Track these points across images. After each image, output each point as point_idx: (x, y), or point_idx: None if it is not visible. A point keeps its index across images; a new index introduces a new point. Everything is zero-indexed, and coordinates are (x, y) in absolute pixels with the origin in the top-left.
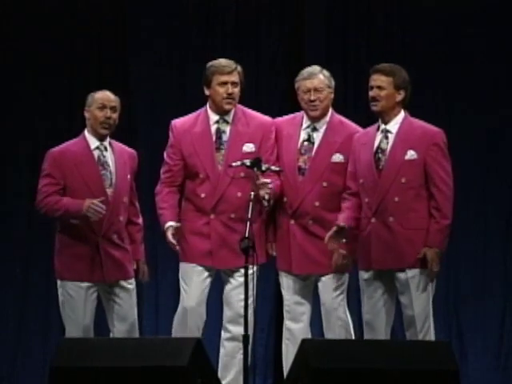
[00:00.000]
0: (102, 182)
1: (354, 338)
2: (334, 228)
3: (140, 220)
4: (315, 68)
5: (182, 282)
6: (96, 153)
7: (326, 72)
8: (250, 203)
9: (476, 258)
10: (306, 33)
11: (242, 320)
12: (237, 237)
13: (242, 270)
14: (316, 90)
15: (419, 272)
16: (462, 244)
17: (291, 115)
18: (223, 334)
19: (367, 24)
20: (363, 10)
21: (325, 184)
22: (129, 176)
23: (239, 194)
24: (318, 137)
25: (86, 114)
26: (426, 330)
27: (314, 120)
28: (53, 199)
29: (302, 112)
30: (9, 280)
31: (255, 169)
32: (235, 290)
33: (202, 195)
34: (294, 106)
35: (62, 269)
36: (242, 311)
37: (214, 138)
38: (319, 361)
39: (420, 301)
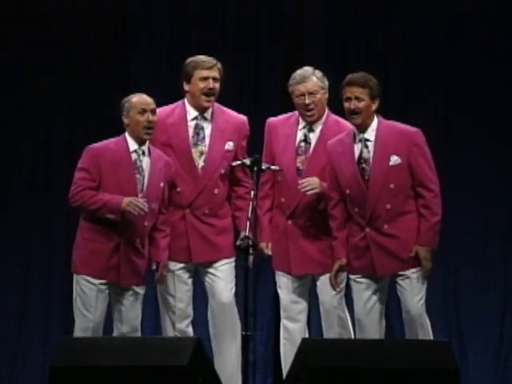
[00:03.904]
0: (135, 186)
1: (352, 336)
2: (337, 266)
3: (168, 229)
4: (307, 70)
5: (163, 287)
6: (133, 156)
7: (318, 73)
8: (251, 202)
9: (476, 258)
10: (306, 33)
11: (231, 312)
12: (212, 230)
13: (223, 261)
14: (310, 93)
15: (419, 270)
16: (462, 244)
17: (286, 115)
18: (212, 329)
19: (367, 24)
20: (363, 9)
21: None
22: (162, 184)
23: (216, 191)
24: (314, 137)
25: (125, 120)
26: (427, 326)
27: (311, 122)
28: (89, 193)
29: (297, 111)
30: (9, 280)
31: (255, 168)
32: (222, 282)
33: (178, 189)
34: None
35: (79, 263)
36: (230, 301)
37: (191, 134)
38: (319, 360)
39: (419, 297)
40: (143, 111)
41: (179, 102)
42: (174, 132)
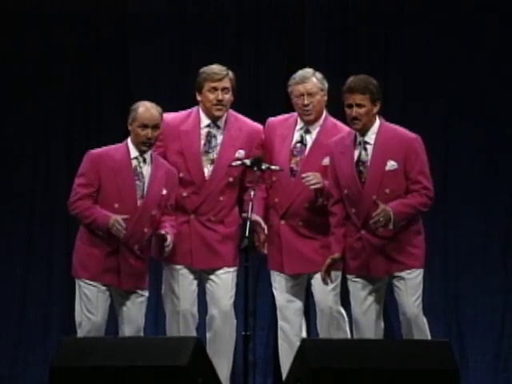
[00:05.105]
0: (134, 192)
1: (349, 335)
2: (329, 260)
3: (174, 222)
4: (307, 71)
5: (168, 287)
6: (134, 162)
7: (318, 75)
8: (251, 202)
9: (476, 258)
10: (306, 33)
11: (227, 319)
12: (216, 237)
13: (225, 269)
14: (309, 94)
15: (416, 271)
16: (462, 244)
17: (285, 115)
18: (208, 334)
19: (367, 24)
20: (363, 9)
21: None
22: (164, 191)
23: (221, 198)
24: (310, 139)
25: (129, 127)
26: (424, 327)
27: (308, 122)
28: (84, 204)
29: (297, 112)
30: (9, 280)
31: (255, 168)
32: (221, 289)
33: (184, 194)
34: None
35: (78, 267)
36: (228, 309)
37: (202, 141)
38: (319, 360)
39: (415, 298)
40: (144, 126)
41: (194, 109)
42: (186, 139)
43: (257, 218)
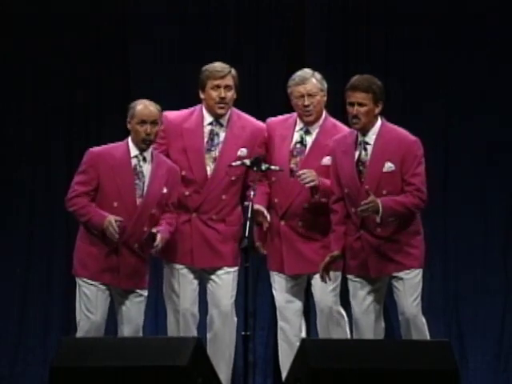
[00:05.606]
0: (133, 191)
1: (348, 334)
2: (328, 258)
3: (173, 221)
4: (307, 72)
5: (169, 286)
6: (134, 161)
7: (317, 75)
8: (250, 202)
9: (476, 258)
10: (306, 33)
11: (227, 320)
12: (218, 236)
13: (226, 269)
14: (309, 94)
15: (414, 271)
16: (462, 244)
17: (285, 116)
18: (209, 334)
19: (367, 24)
20: (363, 9)
21: None
22: (165, 190)
23: (223, 197)
24: (310, 139)
25: (128, 126)
26: (423, 328)
27: (308, 123)
28: (81, 202)
29: (296, 113)
30: (9, 280)
31: (255, 168)
32: (222, 290)
33: (186, 193)
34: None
35: (78, 266)
36: (229, 310)
37: (205, 139)
38: (319, 360)
39: (413, 298)
40: (143, 122)
41: (197, 107)
42: (189, 137)
43: (259, 207)
